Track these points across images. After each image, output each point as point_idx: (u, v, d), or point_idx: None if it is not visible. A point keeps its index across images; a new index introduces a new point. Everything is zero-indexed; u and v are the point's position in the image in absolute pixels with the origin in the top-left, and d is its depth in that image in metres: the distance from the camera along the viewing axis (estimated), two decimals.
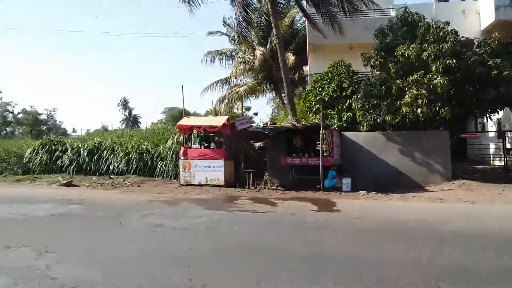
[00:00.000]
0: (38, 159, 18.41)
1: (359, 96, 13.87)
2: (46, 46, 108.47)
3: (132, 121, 79.54)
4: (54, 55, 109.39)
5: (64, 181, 15.07)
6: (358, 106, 13.81)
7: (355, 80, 15.38)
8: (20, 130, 54.48)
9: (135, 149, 17.22)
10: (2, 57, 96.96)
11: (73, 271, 5.20)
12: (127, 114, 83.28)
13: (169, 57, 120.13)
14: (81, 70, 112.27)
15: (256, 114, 48.22)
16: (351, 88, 14.97)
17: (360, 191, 12.20)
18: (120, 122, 79.16)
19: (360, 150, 13.92)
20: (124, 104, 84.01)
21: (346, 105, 14.85)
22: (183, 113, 15.97)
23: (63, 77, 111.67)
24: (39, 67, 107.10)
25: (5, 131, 52.92)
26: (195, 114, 32.32)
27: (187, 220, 8.62)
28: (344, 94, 15.03)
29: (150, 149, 17.17)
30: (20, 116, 54.28)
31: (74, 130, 62.84)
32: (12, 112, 53.96)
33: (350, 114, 14.58)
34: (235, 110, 26.57)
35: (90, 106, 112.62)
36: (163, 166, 16.47)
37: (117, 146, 17.86)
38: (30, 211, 9.74)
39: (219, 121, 15.02)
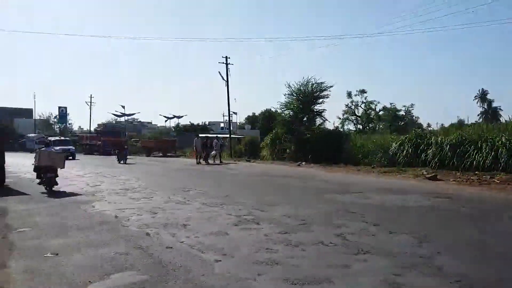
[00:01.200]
0: (404, 152, 19.59)
1: None
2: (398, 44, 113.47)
3: (491, 114, 73.68)
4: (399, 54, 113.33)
5: (429, 175, 15.40)
6: None
7: None
8: (381, 126, 59.17)
9: (504, 144, 15.79)
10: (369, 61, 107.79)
11: (457, 264, 5.24)
12: (485, 107, 77.75)
13: None
14: (435, 66, 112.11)
15: None
16: None
17: None
18: (478, 115, 74.63)
19: None
20: (482, 96, 78.66)
21: None
22: None
23: (421, 73, 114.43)
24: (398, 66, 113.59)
25: (367, 127, 58.77)
26: None
27: None
28: None
29: None
30: (381, 113, 59.06)
31: (429, 125, 63.50)
32: (374, 110, 59.38)
33: None
34: None
35: (444, 101, 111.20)
36: None
37: (480, 141, 16.88)
38: (401, 201, 10.45)
39: None
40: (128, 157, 29.07)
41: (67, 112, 74.26)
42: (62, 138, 43.59)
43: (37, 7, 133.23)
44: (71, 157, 34.46)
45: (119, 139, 44.53)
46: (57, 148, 33.51)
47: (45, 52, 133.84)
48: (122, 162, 27.72)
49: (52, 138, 39.71)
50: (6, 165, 14.55)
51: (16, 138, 52.74)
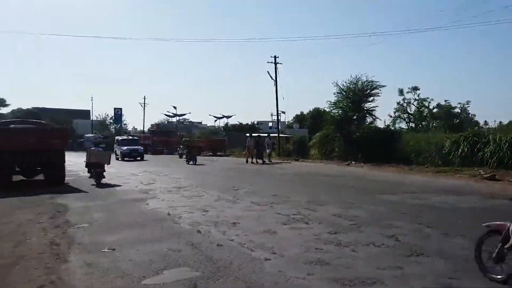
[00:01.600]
0: (459, 151, 18.78)
1: None
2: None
3: None
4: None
5: (486, 175, 14.72)
6: None
7: None
8: (434, 124, 57.04)
9: None
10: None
11: None
12: None
13: None
14: (492, 61, 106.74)
15: None
16: None
17: None
18: None
19: None
20: None
21: None
22: None
23: (477, 69, 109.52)
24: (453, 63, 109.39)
25: (420, 125, 56.84)
26: None
27: None
28: None
29: None
30: (434, 110, 56.97)
31: (486, 123, 60.55)
32: (427, 107, 57.34)
33: None
34: None
35: (502, 97, 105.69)
36: None
37: None
38: (457, 202, 10.06)
39: None
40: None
41: (122, 113, 77.17)
42: (130, 137, 40.74)
43: (88, 11, 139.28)
44: (139, 158, 32.75)
45: (171, 139, 45.58)
46: (124, 148, 33.70)
47: (102, 55, 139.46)
48: (191, 163, 25.88)
49: (120, 138, 39.10)
50: (66, 164, 15.34)
51: (75, 139, 55.20)
